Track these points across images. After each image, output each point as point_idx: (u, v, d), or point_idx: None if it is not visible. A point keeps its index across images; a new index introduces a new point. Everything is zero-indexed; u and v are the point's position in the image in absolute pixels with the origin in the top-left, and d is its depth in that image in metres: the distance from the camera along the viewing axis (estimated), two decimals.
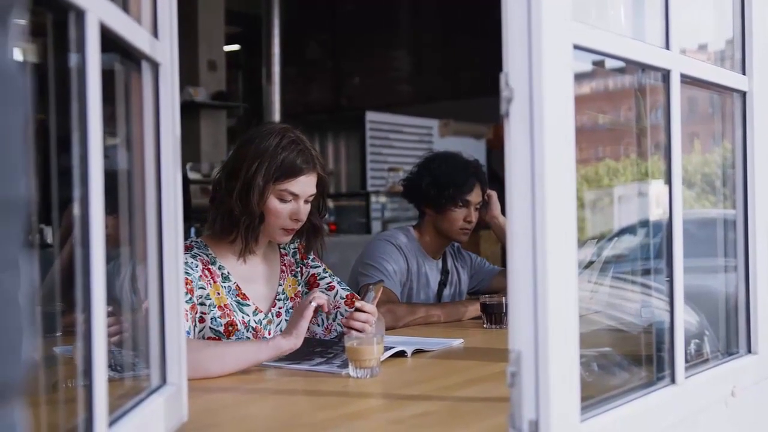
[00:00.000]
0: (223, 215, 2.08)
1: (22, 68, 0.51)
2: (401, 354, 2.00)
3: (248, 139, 2.09)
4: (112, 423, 1.02)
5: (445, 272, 2.99)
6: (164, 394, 1.26)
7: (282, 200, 2.06)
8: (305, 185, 2.08)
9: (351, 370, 1.77)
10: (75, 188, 0.93)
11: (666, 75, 1.42)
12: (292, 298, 2.22)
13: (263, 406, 1.58)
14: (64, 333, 1.63)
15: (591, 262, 1.78)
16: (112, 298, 1.09)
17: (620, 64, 1.45)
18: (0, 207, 0.47)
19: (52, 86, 0.97)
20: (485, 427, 1.40)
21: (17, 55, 0.51)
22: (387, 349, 1.94)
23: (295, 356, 1.97)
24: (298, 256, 2.28)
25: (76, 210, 0.94)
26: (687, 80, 1.48)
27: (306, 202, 2.10)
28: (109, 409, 0.99)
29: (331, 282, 2.25)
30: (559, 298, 1.10)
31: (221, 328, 2.03)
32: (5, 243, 0.48)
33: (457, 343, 2.23)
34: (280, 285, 2.21)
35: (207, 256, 2.10)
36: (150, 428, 1.18)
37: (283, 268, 2.23)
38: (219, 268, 2.10)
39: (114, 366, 1.22)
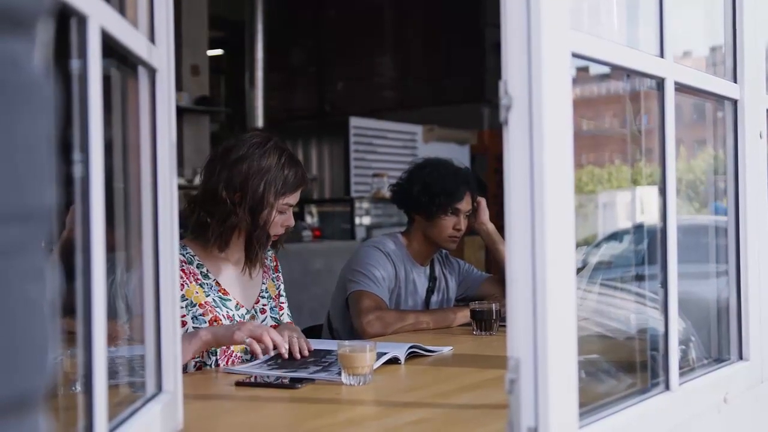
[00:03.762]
0: (228, 229, 2.11)
1: (48, 77, 0.51)
2: (393, 361, 1.99)
3: (243, 156, 2.11)
4: None
5: (432, 279, 2.99)
6: (160, 403, 1.24)
7: (282, 213, 2.16)
8: (298, 196, 2.20)
9: (344, 377, 1.76)
10: (76, 193, 0.92)
11: (660, 83, 1.43)
12: (274, 298, 2.30)
13: (258, 414, 1.57)
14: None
15: (579, 269, 1.79)
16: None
17: (605, 70, 1.46)
18: (28, 216, 0.47)
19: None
20: None
21: (43, 63, 0.51)
22: (380, 355, 1.93)
23: (290, 366, 1.96)
24: (273, 264, 2.36)
25: (77, 216, 0.93)
26: (679, 88, 1.48)
27: (293, 208, 2.21)
28: None
29: (284, 303, 2.35)
30: (558, 305, 1.10)
31: (206, 326, 2.05)
32: (32, 253, 0.48)
33: (447, 350, 2.22)
34: (264, 283, 2.28)
35: (184, 255, 2.11)
36: None
37: (265, 269, 2.31)
38: (198, 267, 2.13)
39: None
